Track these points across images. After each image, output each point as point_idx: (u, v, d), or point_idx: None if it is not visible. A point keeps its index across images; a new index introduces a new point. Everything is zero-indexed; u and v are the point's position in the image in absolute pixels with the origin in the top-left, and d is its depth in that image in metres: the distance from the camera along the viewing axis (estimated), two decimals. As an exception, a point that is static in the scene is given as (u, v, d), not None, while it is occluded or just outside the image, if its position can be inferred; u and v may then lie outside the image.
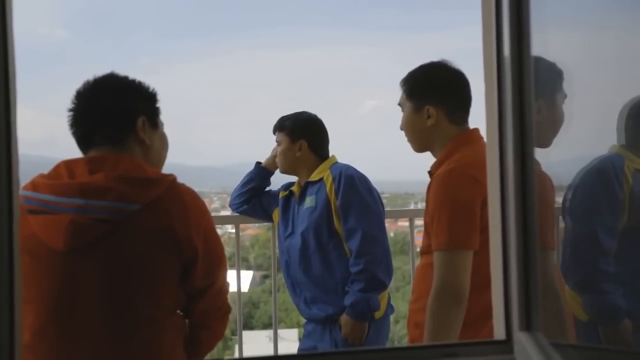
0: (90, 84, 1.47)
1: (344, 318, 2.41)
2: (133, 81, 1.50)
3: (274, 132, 2.65)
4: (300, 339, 2.77)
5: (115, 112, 1.45)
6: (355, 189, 2.42)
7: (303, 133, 2.57)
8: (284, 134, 2.59)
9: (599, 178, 1.63)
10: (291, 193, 2.65)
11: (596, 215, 1.69)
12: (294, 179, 2.70)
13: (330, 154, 2.64)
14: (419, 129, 1.83)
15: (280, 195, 2.69)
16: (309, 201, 2.50)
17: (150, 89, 1.52)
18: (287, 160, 2.59)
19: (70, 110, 1.47)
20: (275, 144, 2.67)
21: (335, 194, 2.42)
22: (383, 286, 2.44)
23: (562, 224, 1.70)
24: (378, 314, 2.45)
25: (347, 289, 2.41)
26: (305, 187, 2.55)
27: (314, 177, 2.53)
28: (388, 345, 2.65)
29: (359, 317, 2.39)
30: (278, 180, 2.83)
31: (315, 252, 2.46)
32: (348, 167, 2.51)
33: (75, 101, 1.47)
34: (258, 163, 2.80)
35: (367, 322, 2.42)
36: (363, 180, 2.47)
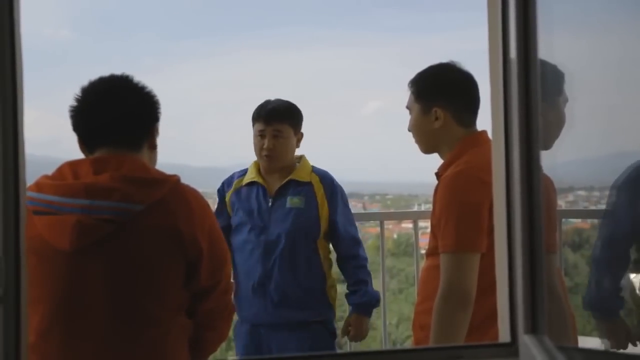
0: (111, 83, 1.46)
1: (357, 317, 2.53)
2: (147, 87, 1.50)
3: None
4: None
5: (143, 116, 1.48)
6: (345, 200, 2.55)
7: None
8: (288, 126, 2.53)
9: None
10: (256, 183, 2.50)
11: None
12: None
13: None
14: (426, 130, 1.83)
15: (243, 184, 2.52)
16: (295, 201, 2.44)
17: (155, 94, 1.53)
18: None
19: (87, 106, 1.44)
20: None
21: (329, 202, 2.45)
22: None
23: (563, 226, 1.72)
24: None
25: (356, 289, 2.51)
26: (287, 185, 2.46)
27: (302, 177, 2.48)
28: (392, 347, 2.68)
29: (370, 313, 2.57)
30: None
31: (300, 254, 2.41)
32: (332, 176, 2.55)
33: (93, 98, 1.45)
34: None
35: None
36: (342, 190, 2.58)
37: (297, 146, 2.52)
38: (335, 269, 2.57)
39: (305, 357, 1.14)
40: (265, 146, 2.41)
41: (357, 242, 2.54)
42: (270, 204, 2.45)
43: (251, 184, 2.51)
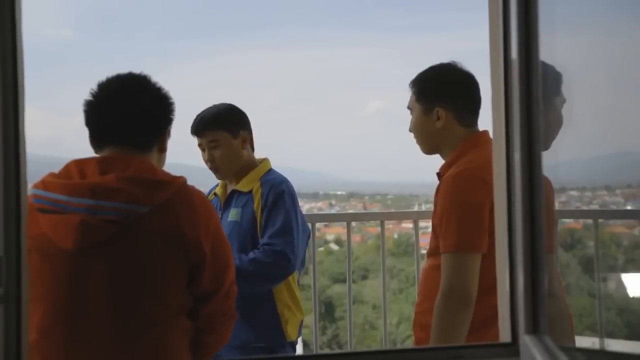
0: (127, 82, 1.46)
1: None
2: (164, 88, 1.50)
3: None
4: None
5: (155, 118, 1.47)
6: (280, 208, 2.16)
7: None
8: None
9: None
10: (216, 195, 2.36)
11: None
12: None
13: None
14: (428, 130, 1.83)
15: (210, 198, 2.38)
16: (233, 214, 2.22)
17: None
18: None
19: (101, 102, 1.43)
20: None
21: (262, 211, 2.17)
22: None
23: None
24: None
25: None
26: (231, 196, 2.27)
27: (243, 187, 2.23)
28: (393, 347, 2.64)
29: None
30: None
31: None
32: (281, 182, 2.21)
33: (107, 95, 1.43)
34: None
35: None
36: (291, 196, 2.20)
37: (244, 148, 2.25)
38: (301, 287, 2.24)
39: (304, 357, 1.14)
40: (206, 159, 2.24)
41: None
42: (220, 217, 2.25)
43: (214, 196, 2.37)
